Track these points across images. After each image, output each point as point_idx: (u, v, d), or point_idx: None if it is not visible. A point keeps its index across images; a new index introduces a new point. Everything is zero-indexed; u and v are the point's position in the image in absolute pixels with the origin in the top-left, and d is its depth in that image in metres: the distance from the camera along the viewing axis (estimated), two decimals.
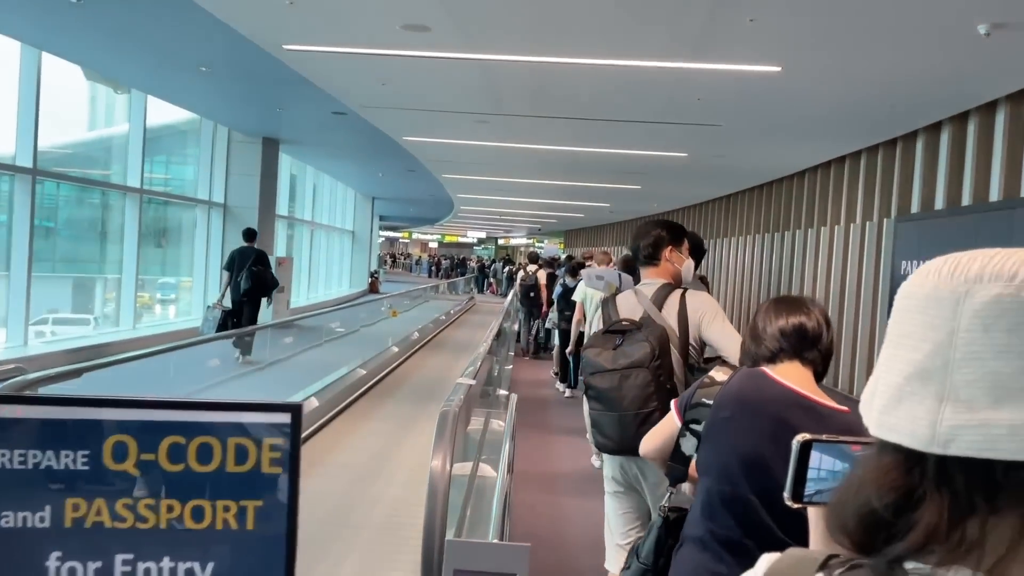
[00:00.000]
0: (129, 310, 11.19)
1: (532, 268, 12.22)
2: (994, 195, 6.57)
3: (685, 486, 2.18)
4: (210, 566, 0.97)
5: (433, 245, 63.32)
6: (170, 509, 0.96)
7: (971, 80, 5.87)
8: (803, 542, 1.19)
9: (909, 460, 0.60)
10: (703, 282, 4.59)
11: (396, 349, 10.48)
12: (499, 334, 9.01)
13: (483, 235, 55.09)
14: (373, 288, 26.35)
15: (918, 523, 0.58)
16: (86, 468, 0.94)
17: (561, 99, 7.50)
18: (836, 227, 9.48)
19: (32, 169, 8.71)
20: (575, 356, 8.58)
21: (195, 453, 0.96)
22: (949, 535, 0.57)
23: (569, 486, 5.75)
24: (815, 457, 0.81)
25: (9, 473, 0.95)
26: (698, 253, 3.19)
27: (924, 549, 0.58)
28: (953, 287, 0.60)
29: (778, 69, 5.72)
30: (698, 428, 2.03)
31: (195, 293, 13.50)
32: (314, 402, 6.65)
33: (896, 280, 7.12)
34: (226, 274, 9.83)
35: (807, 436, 0.82)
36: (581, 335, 7.18)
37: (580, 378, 8.74)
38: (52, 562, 0.94)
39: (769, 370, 1.81)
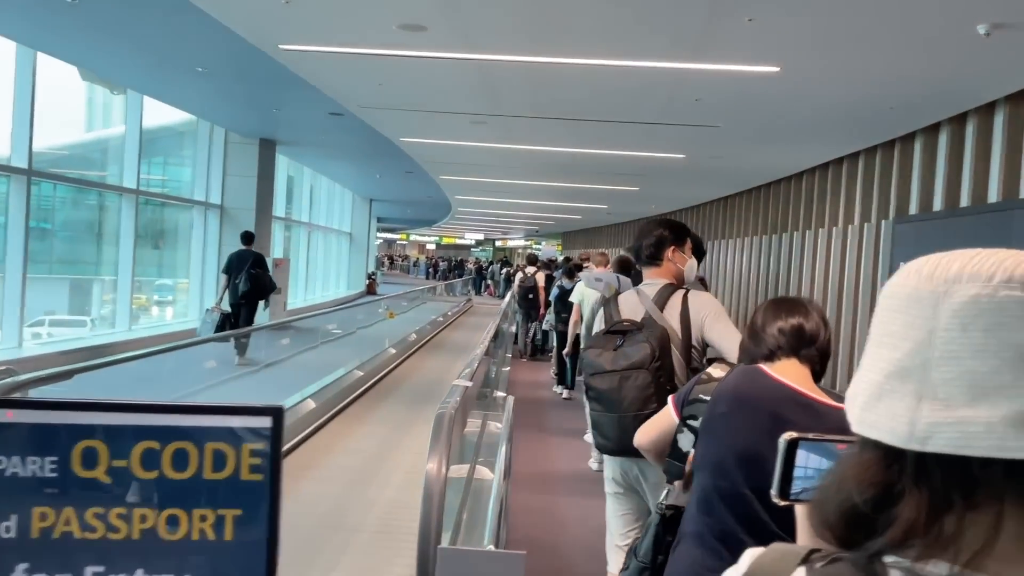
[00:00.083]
0: (125, 312, 11.14)
1: (531, 270, 12.21)
2: (993, 196, 6.55)
3: (676, 485, 2.17)
4: None
5: (431, 247, 63.28)
6: (143, 519, 0.91)
7: (970, 81, 5.85)
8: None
9: (889, 457, 0.61)
10: (702, 283, 4.56)
11: (393, 351, 10.44)
12: (496, 336, 8.98)
13: (481, 237, 55.07)
14: (371, 290, 26.31)
15: (897, 518, 0.59)
16: (54, 475, 0.89)
17: (558, 100, 7.47)
18: (834, 229, 9.46)
19: (27, 170, 8.67)
20: (572, 358, 8.56)
21: (170, 459, 0.91)
22: (927, 530, 0.58)
23: (567, 489, 5.72)
24: (801, 455, 0.82)
25: None
26: (698, 254, 3.16)
27: (903, 544, 0.59)
28: (933, 287, 0.61)
29: (777, 70, 5.69)
30: (695, 424, 2.04)
31: (191, 295, 13.46)
32: (311, 404, 6.62)
33: None
34: (224, 277, 9.85)
35: (793, 435, 0.83)
36: (578, 336, 7.15)
37: (579, 378, 8.76)
38: (18, 574, 0.89)
39: (766, 367, 1.83)
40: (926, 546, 0.58)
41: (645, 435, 2.28)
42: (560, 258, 18.56)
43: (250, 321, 9.83)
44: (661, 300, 2.82)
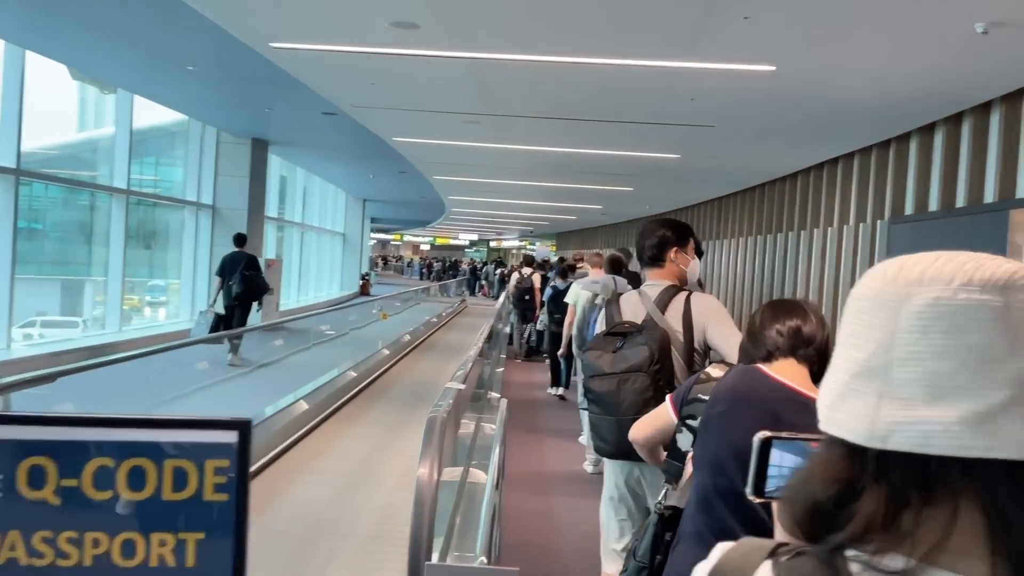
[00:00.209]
0: (116, 312, 11.04)
1: (527, 270, 12.17)
2: (989, 196, 6.52)
3: (674, 485, 2.17)
4: None
5: (425, 247, 63.17)
6: (96, 543, 0.82)
7: (966, 80, 5.82)
8: None
9: (852, 454, 0.62)
10: (698, 284, 4.51)
11: (387, 352, 10.37)
12: (491, 337, 8.92)
13: (475, 237, 55.00)
14: (364, 290, 26.22)
15: (858, 513, 0.61)
16: None
17: (552, 99, 7.41)
18: (829, 229, 9.43)
19: (15, 169, 8.57)
20: (567, 358, 8.50)
21: (125, 478, 0.82)
22: (886, 525, 0.60)
23: (562, 491, 5.66)
24: (775, 454, 0.84)
25: None
26: (697, 254, 3.11)
27: (863, 538, 0.60)
28: (896, 290, 0.63)
29: (773, 68, 5.64)
30: (694, 424, 2.03)
31: (183, 295, 13.36)
32: (303, 405, 6.56)
33: None
34: (218, 279, 9.88)
35: (767, 433, 0.85)
36: (571, 337, 7.10)
37: (573, 378, 8.73)
38: None
39: (765, 367, 1.84)
40: (884, 540, 0.60)
41: (640, 431, 2.29)
42: (554, 258, 18.52)
43: (244, 323, 9.85)
44: (663, 302, 2.78)
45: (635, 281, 6.93)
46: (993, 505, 0.58)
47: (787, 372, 1.80)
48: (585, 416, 5.89)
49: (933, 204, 7.31)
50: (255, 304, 10.09)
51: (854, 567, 0.60)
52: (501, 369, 9.65)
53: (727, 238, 14.13)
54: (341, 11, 5.22)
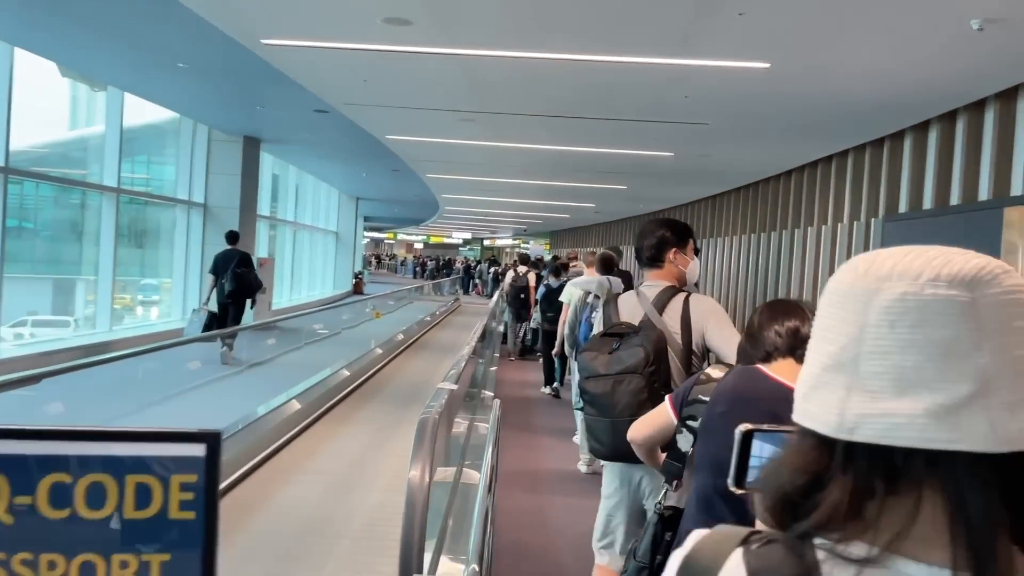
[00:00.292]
0: (106, 312, 10.96)
1: (523, 269, 12.17)
2: (983, 194, 6.51)
3: (674, 485, 2.18)
4: None
5: (419, 246, 63.07)
6: (52, 566, 0.76)
7: (961, 78, 5.80)
8: None
9: (821, 445, 0.64)
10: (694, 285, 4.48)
11: (380, 351, 10.32)
12: (484, 335, 8.88)
13: (468, 236, 54.93)
14: (357, 289, 26.14)
15: (824, 502, 0.62)
16: None
17: (546, 97, 7.37)
18: (823, 227, 9.41)
19: (4, 168, 8.49)
20: (561, 357, 8.47)
21: (84, 495, 0.76)
22: (850, 514, 0.61)
23: (556, 491, 5.62)
24: (756, 445, 0.85)
25: None
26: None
27: (828, 526, 0.62)
28: (866, 285, 0.64)
29: (767, 66, 5.61)
30: (694, 425, 2.04)
31: (174, 294, 13.27)
32: (295, 404, 6.51)
33: None
34: (211, 277, 9.85)
35: (748, 426, 0.86)
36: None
37: (568, 377, 8.69)
38: None
39: (764, 368, 1.85)
40: (848, 529, 0.61)
41: (638, 431, 2.28)
42: (547, 257, 18.48)
43: (238, 321, 9.85)
44: (661, 303, 2.75)
45: (626, 280, 6.91)
46: (955, 495, 0.59)
47: (786, 372, 1.81)
48: (579, 416, 5.87)
49: (927, 202, 7.30)
50: (249, 302, 10.07)
51: (819, 554, 0.62)
52: (495, 368, 9.61)
53: (721, 236, 14.11)
54: (333, 7, 5.17)
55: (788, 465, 0.66)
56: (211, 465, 0.76)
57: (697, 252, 3.01)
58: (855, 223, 8.55)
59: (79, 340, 10.26)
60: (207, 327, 9.29)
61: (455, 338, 12.44)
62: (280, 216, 19.36)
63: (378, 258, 59.73)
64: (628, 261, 8.80)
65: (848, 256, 8.53)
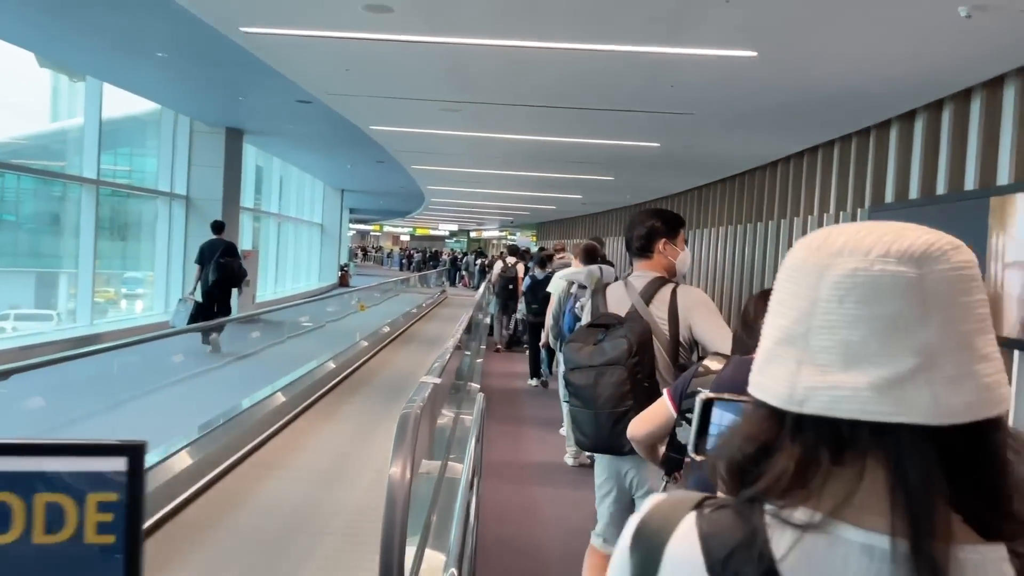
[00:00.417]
0: (87, 305, 10.81)
1: (512, 260, 12.12)
2: (969, 184, 6.50)
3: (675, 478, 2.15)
4: None
5: (405, 238, 62.83)
6: None
7: (947, 67, 5.77)
8: None
9: (773, 416, 0.66)
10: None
11: (365, 343, 10.24)
12: (470, 327, 8.82)
13: (455, 228, 54.78)
14: (343, 282, 25.98)
15: (771, 470, 0.64)
16: None
17: (530, 86, 7.30)
18: (810, 217, 9.41)
19: None
20: (548, 348, 8.43)
21: None
22: (796, 481, 0.63)
23: (542, 484, 5.58)
24: (716, 414, 0.88)
25: None
26: None
27: (774, 492, 0.64)
28: (818, 260, 0.65)
29: (754, 54, 5.56)
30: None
31: (157, 287, 13.12)
32: (280, 397, 6.44)
33: None
34: (197, 267, 9.82)
35: (708, 394, 0.89)
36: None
37: (556, 368, 8.65)
38: None
39: None
40: (794, 495, 0.63)
41: (639, 428, 2.22)
42: (534, 248, 18.42)
43: (226, 310, 9.81)
44: (649, 293, 2.70)
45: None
46: (897, 466, 0.60)
47: None
48: (566, 408, 5.82)
49: (913, 192, 7.29)
50: (235, 290, 10.04)
51: (766, 518, 0.63)
52: (480, 360, 9.56)
53: (708, 227, 14.10)
54: None
55: (741, 434, 0.68)
56: (134, 481, 0.67)
57: (685, 243, 2.96)
58: (841, 213, 8.54)
59: (60, 334, 10.11)
60: (193, 317, 9.26)
61: (441, 330, 12.37)
62: (264, 208, 19.19)
63: (364, 250, 59.47)
64: (615, 252, 8.75)
65: None
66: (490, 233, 51.07)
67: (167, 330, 8.88)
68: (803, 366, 0.64)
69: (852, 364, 0.62)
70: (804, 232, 9.75)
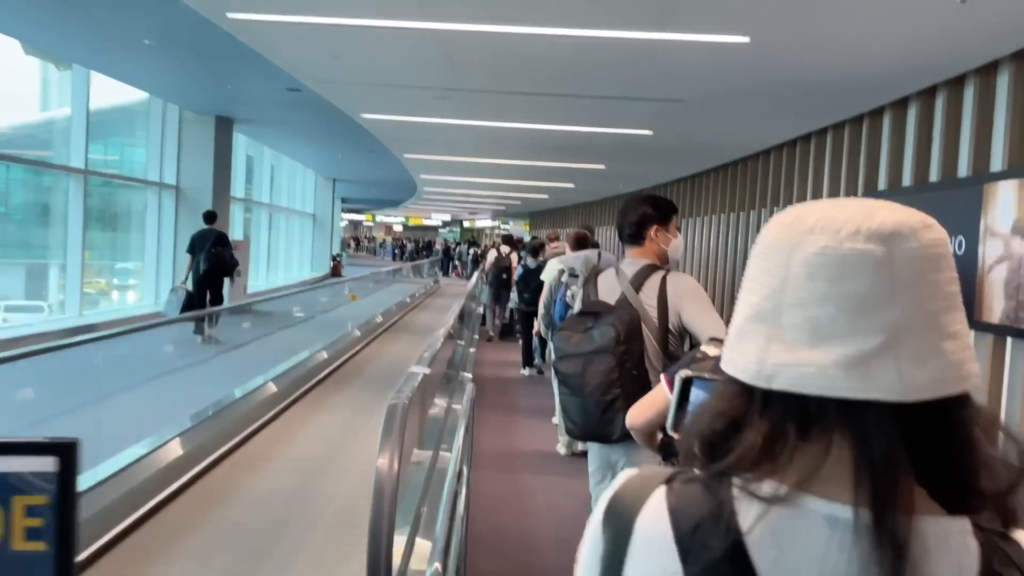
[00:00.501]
0: (75, 296, 10.72)
1: (506, 249, 12.08)
2: (963, 171, 6.47)
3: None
4: None
5: (398, 228, 62.66)
6: None
7: (941, 53, 5.74)
8: None
9: (743, 392, 0.67)
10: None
11: (358, 333, 10.19)
12: (462, 317, 8.78)
13: (448, 217, 54.65)
14: (335, 272, 25.88)
15: (740, 444, 0.65)
16: None
17: (522, 74, 7.23)
18: None
19: None
20: (541, 337, 8.39)
21: None
22: (763, 455, 0.64)
23: (535, 474, 5.55)
24: (695, 393, 0.88)
25: None
26: None
27: (741, 466, 0.65)
28: (789, 238, 0.66)
29: (746, 40, 5.51)
30: None
31: (147, 278, 13.03)
32: (272, 387, 6.40)
33: None
34: (188, 257, 9.82)
35: (688, 373, 0.89)
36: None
37: (549, 357, 8.63)
38: None
39: None
40: (761, 469, 0.64)
41: (637, 416, 2.19)
42: (527, 238, 18.37)
43: (217, 301, 9.79)
44: (639, 281, 2.67)
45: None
46: (862, 441, 0.61)
47: None
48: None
49: (906, 179, 7.26)
50: (227, 280, 10.02)
51: (734, 491, 0.64)
52: (473, 350, 9.52)
53: (701, 216, 14.07)
54: None
55: (712, 410, 0.69)
56: (65, 483, 0.60)
57: (678, 230, 2.92)
58: None
59: (48, 326, 10.03)
60: (185, 307, 9.26)
61: (434, 320, 12.32)
62: (255, 198, 19.07)
63: (357, 240, 59.32)
64: (607, 241, 8.72)
65: None
66: (483, 223, 50.97)
67: (157, 320, 8.82)
68: (772, 343, 0.64)
69: (820, 341, 0.62)
70: None
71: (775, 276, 0.66)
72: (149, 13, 6.87)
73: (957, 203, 6.37)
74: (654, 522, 0.67)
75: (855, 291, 0.62)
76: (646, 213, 2.78)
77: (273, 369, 6.91)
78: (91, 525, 3.42)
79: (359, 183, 26.95)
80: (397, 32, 5.85)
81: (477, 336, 11.19)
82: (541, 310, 6.52)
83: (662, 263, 2.78)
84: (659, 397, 2.12)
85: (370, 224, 64.16)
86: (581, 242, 6.63)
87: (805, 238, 0.65)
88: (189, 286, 9.69)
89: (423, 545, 2.98)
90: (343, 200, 32.65)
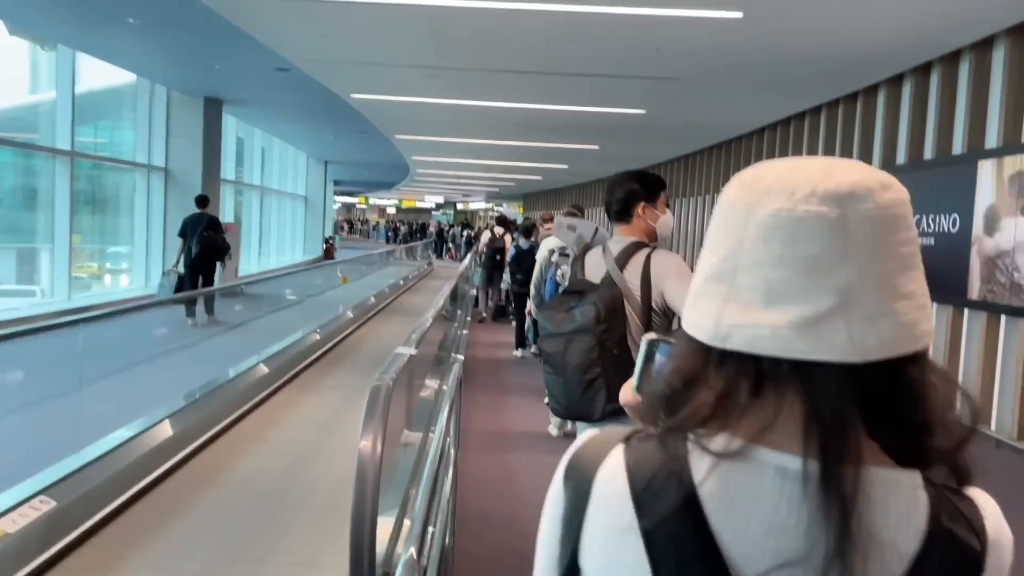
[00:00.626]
0: (63, 280, 10.63)
1: (500, 230, 12.03)
2: (957, 148, 6.42)
3: None
4: None
5: (391, 211, 62.44)
6: None
7: (936, 28, 5.66)
8: None
9: (700, 351, 0.67)
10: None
11: (351, 315, 10.14)
12: (455, 297, 8.72)
13: (441, 200, 54.45)
14: (328, 255, 25.77)
15: (694, 401, 0.67)
16: None
17: (512, 51, 7.14)
18: None
19: None
20: (533, 318, 8.36)
21: None
22: (717, 411, 0.65)
23: (525, 455, 5.53)
24: (659, 356, 0.89)
25: None
26: None
27: (695, 422, 0.66)
28: (747, 199, 0.66)
29: (740, 15, 5.44)
30: None
31: (136, 261, 12.92)
32: (263, 368, 6.35)
33: None
34: (180, 240, 9.82)
35: (653, 336, 0.91)
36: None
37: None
38: None
39: None
40: (714, 424, 0.65)
41: (630, 393, 2.13)
42: (520, 220, 18.30)
43: (209, 285, 9.78)
44: (624, 259, 2.61)
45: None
46: (812, 399, 0.62)
47: None
48: None
49: (901, 157, 7.21)
50: (219, 264, 9.99)
51: (689, 446, 0.66)
52: (466, 331, 9.48)
53: (694, 196, 14.01)
54: None
55: (671, 368, 0.71)
56: None
57: (667, 204, 2.85)
58: None
59: (35, 309, 9.95)
60: (177, 291, 9.25)
61: (427, 302, 12.25)
62: (246, 180, 18.93)
63: (350, 223, 59.10)
64: (598, 221, 8.66)
65: None
66: (477, 205, 50.80)
67: (145, 301, 8.76)
68: (728, 303, 0.65)
69: (774, 303, 0.63)
70: None
71: (732, 237, 0.66)
72: None
73: (951, 180, 6.32)
74: (612, 478, 0.68)
75: (809, 253, 0.62)
76: (633, 190, 2.71)
77: (265, 351, 6.86)
78: (77, 507, 3.38)
79: (351, 165, 26.79)
80: (382, 8, 5.76)
81: (470, 318, 11.15)
82: (532, 290, 6.47)
83: (650, 240, 2.72)
84: None
85: (363, 207, 63.92)
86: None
87: (761, 199, 0.64)
88: (181, 269, 9.67)
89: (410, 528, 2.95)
90: (336, 182, 32.47)
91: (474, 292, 12.59)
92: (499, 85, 8.67)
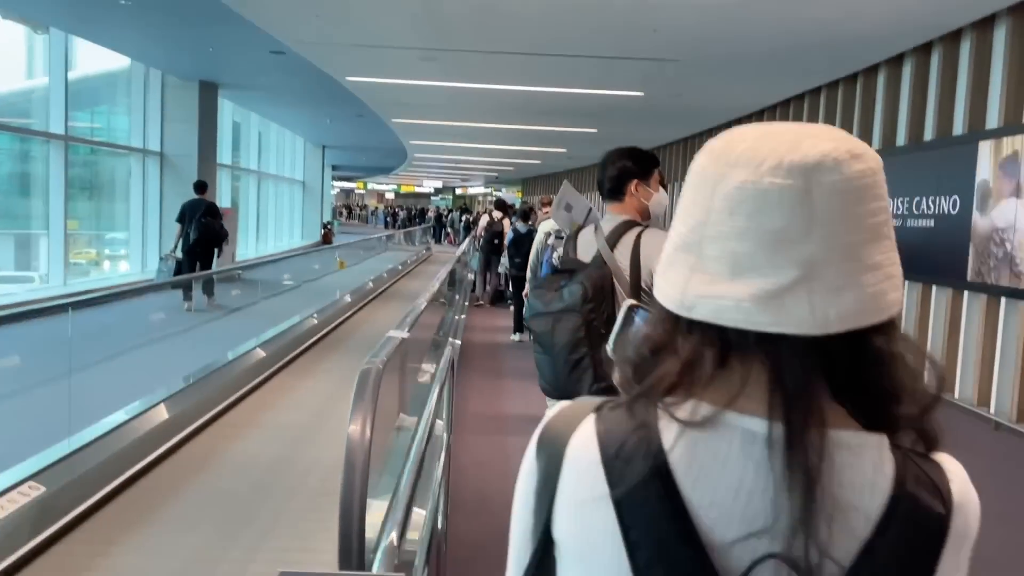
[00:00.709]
0: (59, 266, 10.58)
1: (498, 214, 11.98)
2: (958, 129, 6.36)
3: None
4: None
5: (390, 196, 62.28)
6: None
7: (937, 6, 5.58)
8: None
9: (669, 319, 0.68)
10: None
11: (348, 299, 10.11)
12: (452, 282, 8.69)
13: (439, 185, 54.30)
14: (326, 240, 25.71)
15: (660, 368, 0.67)
16: None
17: (509, 32, 7.05)
18: None
19: None
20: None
21: None
22: (681, 379, 0.66)
23: (521, 438, 5.50)
24: (638, 321, 0.89)
25: None
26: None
27: (660, 388, 0.67)
28: (716, 169, 0.65)
29: None
30: None
31: (133, 246, 12.87)
32: (260, 353, 6.33)
33: None
34: (178, 226, 9.82)
35: (632, 302, 0.92)
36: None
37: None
38: None
39: None
40: (678, 392, 0.66)
41: None
42: (518, 204, 18.24)
43: (207, 270, 9.77)
44: (614, 238, 2.57)
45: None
46: (777, 370, 0.63)
47: None
48: None
49: (901, 138, 7.15)
50: (216, 251, 9.97)
51: (658, 412, 0.66)
52: (463, 316, 9.45)
53: None
54: None
55: (641, 336, 0.71)
56: None
57: (664, 185, 2.80)
58: None
59: (31, 295, 9.92)
60: (175, 275, 9.24)
61: (425, 287, 12.22)
62: (243, 165, 18.84)
63: (348, 209, 58.98)
64: (594, 203, 8.61)
65: None
66: (475, 190, 50.67)
67: (142, 284, 8.74)
68: (695, 273, 0.65)
69: (738, 275, 0.63)
70: None
71: (700, 208, 0.66)
72: None
73: (952, 162, 6.27)
74: (583, 447, 0.68)
75: (773, 227, 0.62)
76: (625, 167, 2.66)
77: (261, 335, 6.84)
78: (70, 491, 3.36)
79: (349, 150, 26.67)
80: None
81: (467, 302, 11.12)
82: (528, 273, 6.44)
83: (643, 219, 2.68)
84: None
85: (362, 192, 63.76)
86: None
87: (729, 171, 0.64)
88: (179, 255, 9.66)
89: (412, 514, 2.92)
90: (333, 167, 32.35)
91: (472, 277, 12.56)
92: (496, 67, 8.59)
